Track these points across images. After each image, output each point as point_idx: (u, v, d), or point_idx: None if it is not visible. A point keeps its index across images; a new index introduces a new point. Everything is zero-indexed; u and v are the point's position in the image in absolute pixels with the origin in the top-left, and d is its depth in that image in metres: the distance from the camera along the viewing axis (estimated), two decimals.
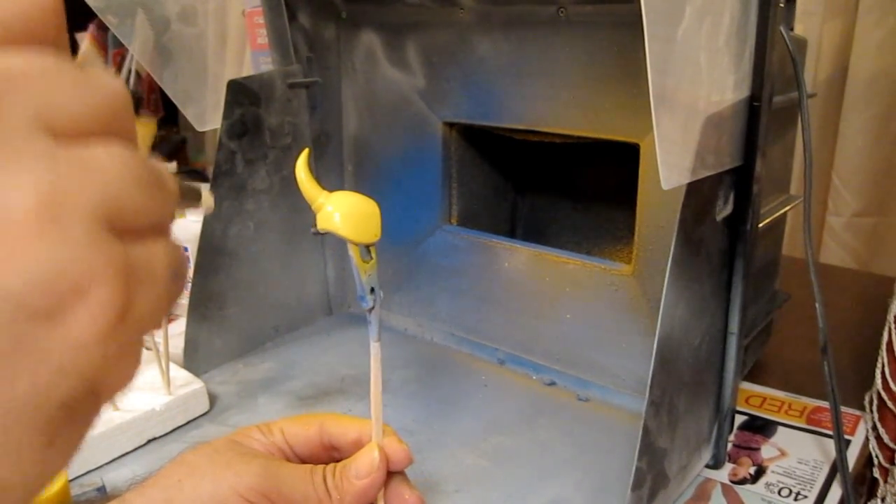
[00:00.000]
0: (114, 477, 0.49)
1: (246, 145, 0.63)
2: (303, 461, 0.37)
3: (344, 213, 0.29)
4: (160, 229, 0.19)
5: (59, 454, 0.17)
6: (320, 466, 0.35)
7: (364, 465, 0.34)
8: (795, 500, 0.48)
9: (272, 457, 0.35)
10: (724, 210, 0.44)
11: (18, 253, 0.16)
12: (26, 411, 0.16)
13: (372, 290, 0.32)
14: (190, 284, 0.62)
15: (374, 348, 0.33)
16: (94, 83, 0.18)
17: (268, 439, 0.36)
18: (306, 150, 0.31)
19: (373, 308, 0.32)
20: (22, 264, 0.16)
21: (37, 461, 0.17)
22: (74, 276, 0.16)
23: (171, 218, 0.20)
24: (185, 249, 0.78)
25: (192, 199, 0.25)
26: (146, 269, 0.18)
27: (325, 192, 0.30)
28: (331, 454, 0.36)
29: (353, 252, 0.31)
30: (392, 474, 0.35)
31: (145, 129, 0.19)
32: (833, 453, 0.52)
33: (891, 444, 0.51)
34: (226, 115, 0.61)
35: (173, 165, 1.27)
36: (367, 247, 0.31)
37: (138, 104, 1.43)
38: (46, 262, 0.16)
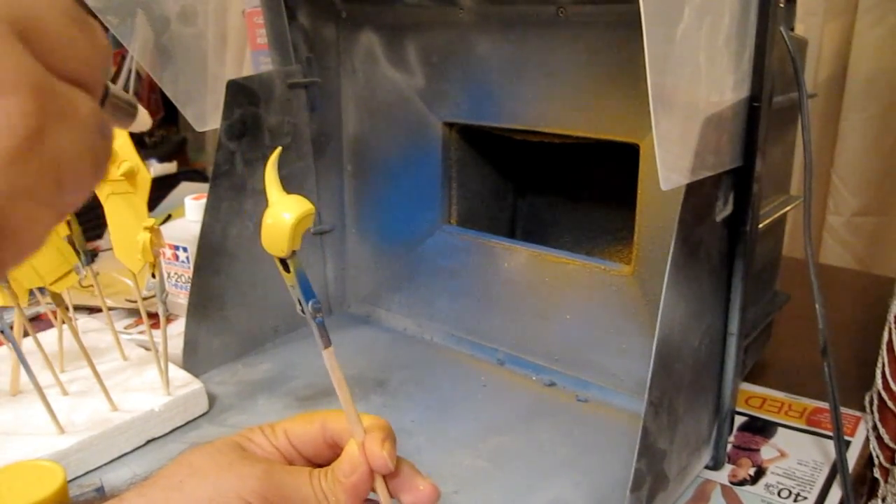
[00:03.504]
0: (113, 477, 0.49)
1: (245, 145, 0.63)
2: (308, 460, 0.37)
3: (265, 223, 0.29)
4: (88, 85, 0.18)
5: None
6: (318, 470, 0.35)
7: (346, 465, 0.34)
8: (795, 501, 0.48)
9: (274, 461, 0.35)
10: (723, 210, 0.44)
11: None
12: None
13: (305, 301, 0.31)
14: (190, 285, 0.62)
15: (325, 356, 0.33)
16: None
17: (271, 442, 0.36)
18: (278, 150, 0.30)
19: (314, 317, 0.32)
20: None
21: None
22: None
23: (100, 79, 0.19)
24: (185, 249, 0.78)
25: (127, 111, 0.24)
26: (68, 106, 0.17)
27: (278, 193, 0.29)
28: (335, 451, 0.36)
29: (276, 262, 0.30)
30: (401, 466, 0.35)
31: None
32: (833, 454, 0.52)
33: (891, 444, 0.51)
34: (225, 116, 0.61)
35: (173, 165, 1.27)
36: (283, 260, 0.30)
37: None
38: None
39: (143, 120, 0.26)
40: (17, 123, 0.15)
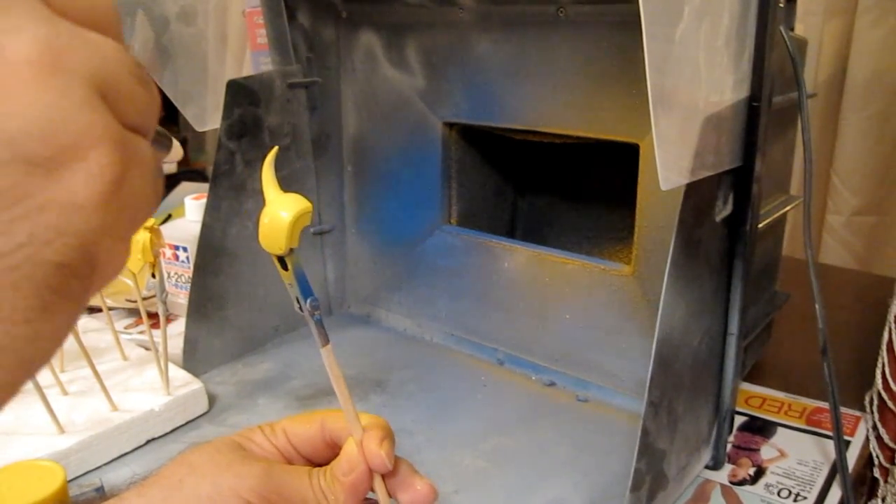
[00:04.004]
0: (112, 477, 0.49)
1: (245, 145, 0.63)
2: (308, 460, 0.37)
3: (262, 222, 0.29)
4: (147, 133, 0.20)
5: (50, 326, 0.18)
6: (317, 469, 0.35)
7: (345, 464, 0.34)
8: (795, 501, 0.48)
9: (273, 460, 0.36)
10: (723, 210, 0.44)
11: (16, 97, 0.16)
12: (23, 265, 0.16)
13: (303, 299, 0.32)
14: (190, 285, 0.62)
15: (324, 354, 0.33)
16: None
17: (270, 442, 0.36)
18: (275, 149, 0.31)
19: (312, 315, 0.32)
20: (20, 108, 0.16)
21: (29, 324, 0.17)
22: (73, 131, 0.17)
23: (154, 125, 0.21)
24: (185, 249, 0.78)
25: (164, 144, 0.26)
26: (137, 153, 0.19)
27: (275, 192, 0.30)
28: (334, 451, 0.36)
29: (274, 260, 0.31)
30: (399, 466, 0.35)
31: None
32: (833, 454, 0.52)
33: (891, 444, 0.51)
34: (225, 116, 0.61)
35: (173, 165, 1.27)
36: (281, 258, 0.30)
37: None
38: (45, 109, 0.16)
39: (176, 151, 0.27)
40: (105, 171, 0.17)
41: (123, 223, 0.19)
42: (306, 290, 0.32)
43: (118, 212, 0.18)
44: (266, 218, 0.29)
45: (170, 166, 1.26)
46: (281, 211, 0.29)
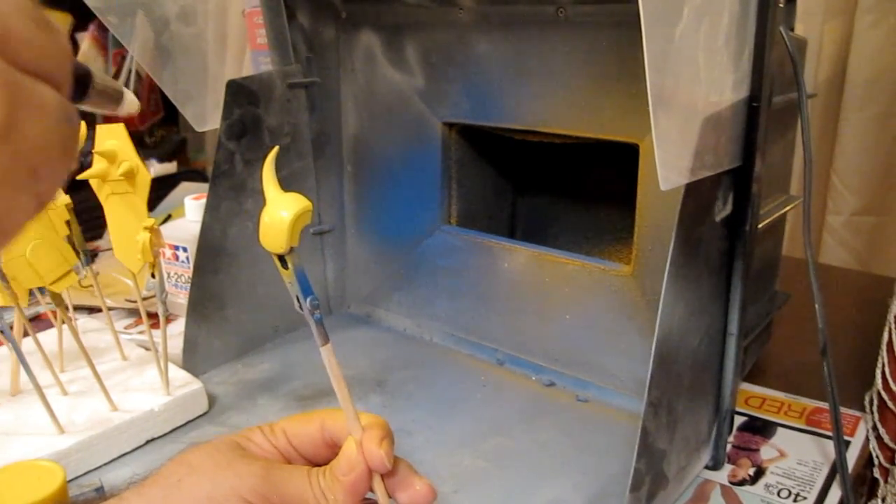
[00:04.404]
0: (112, 477, 0.49)
1: (245, 145, 0.63)
2: (307, 460, 0.37)
3: (262, 221, 0.30)
4: (54, 78, 0.19)
5: None
6: (316, 469, 0.35)
7: (344, 464, 0.34)
8: (795, 501, 0.48)
9: (272, 460, 0.36)
10: (723, 210, 0.44)
11: None
12: None
13: (303, 298, 0.32)
14: (190, 285, 0.62)
15: (324, 353, 0.33)
16: None
17: (270, 442, 0.36)
18: (275, 149, 0.31)
19: (312, 314, 0.32)
20: None
21: None
22: None
23: (66, 73, 0.20)
24: (185, 249, 0.78)
25: (114, 97, 0.25)
26: (35, 98, 0.18)
27: (275, 191, 0.30)
28: (334, 451, 0.36)
29: (274, 259, 0.31)
30: (398, 466, 0.35)
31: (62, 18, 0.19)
32: (833, 454, 0.52)
33: (891, 444, 0.51)
34: (225, 116, 0.61)
35: (173, 165, 1.27)
36: (281, 257, 0.31)
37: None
38: None
39: (130, 101, 0.27)
40: None
41: (20, 171, 0.18)
42: (306, 289, 0.32)
43: (12, 159, 0.17)
44: (267, 217, 0.29)
45: (169, 166, 1.26)
46: (281, 210, 0.29)
